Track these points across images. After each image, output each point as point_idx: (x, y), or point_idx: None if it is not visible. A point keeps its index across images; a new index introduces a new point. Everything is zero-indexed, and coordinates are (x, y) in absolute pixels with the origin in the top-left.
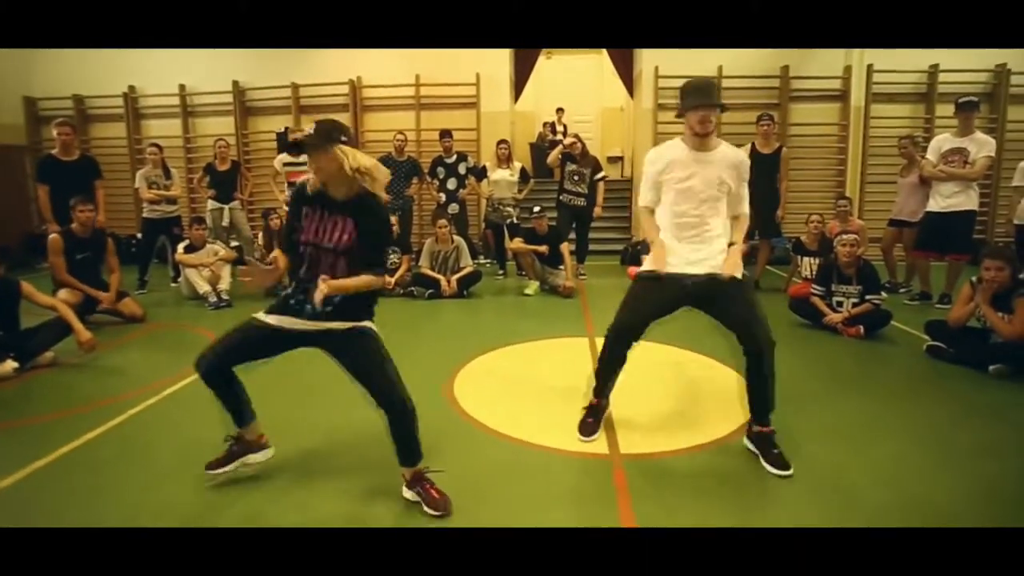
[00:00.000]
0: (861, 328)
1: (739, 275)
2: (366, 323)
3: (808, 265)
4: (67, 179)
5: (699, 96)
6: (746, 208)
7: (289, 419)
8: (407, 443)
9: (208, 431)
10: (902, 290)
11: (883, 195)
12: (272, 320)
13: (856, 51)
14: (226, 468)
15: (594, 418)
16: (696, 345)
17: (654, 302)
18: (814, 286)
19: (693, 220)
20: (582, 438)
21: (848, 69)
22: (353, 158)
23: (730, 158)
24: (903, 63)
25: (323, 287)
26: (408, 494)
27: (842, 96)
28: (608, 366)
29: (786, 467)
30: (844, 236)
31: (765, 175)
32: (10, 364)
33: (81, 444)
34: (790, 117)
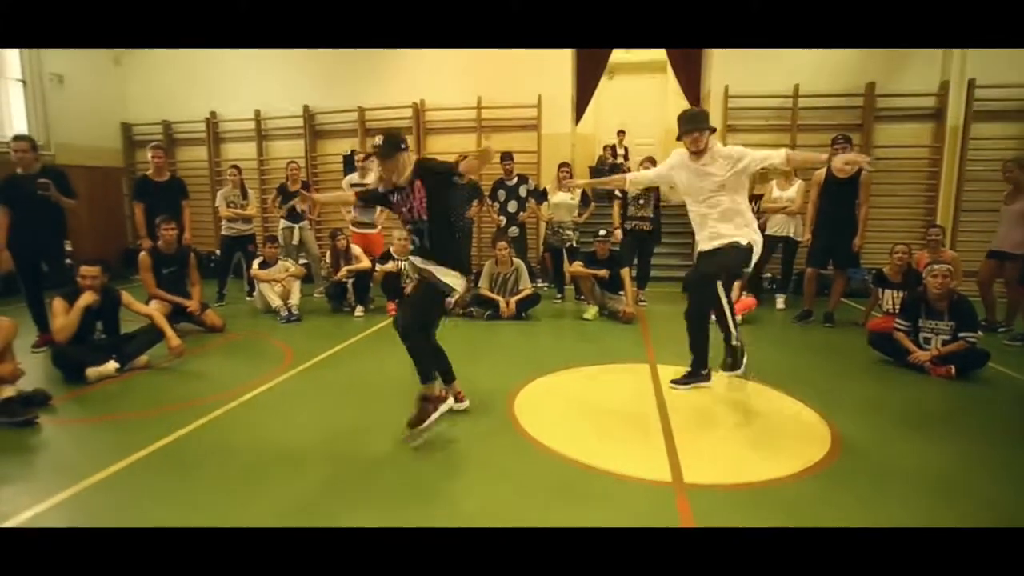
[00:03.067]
0: (952, 368)
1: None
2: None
3: (890, 298)
4: (159, 198)
5: (689, 123)
6: (774, 153)
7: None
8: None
9: (282, 434)
10: (1001, 329)
11: (981, 224)
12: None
13: (955, 65)
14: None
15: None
16: (762, 376)
17: None
18: (898, 320)
19: (702, 214)
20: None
21: (945, 85)
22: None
23: (717, 156)
24: (1010, 76)
25: None
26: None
27: (936, 115)
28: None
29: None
30: (936, 266)
31: (841, 201)
32: (112, 365)
33: (173, 440)
34: (875, 138)
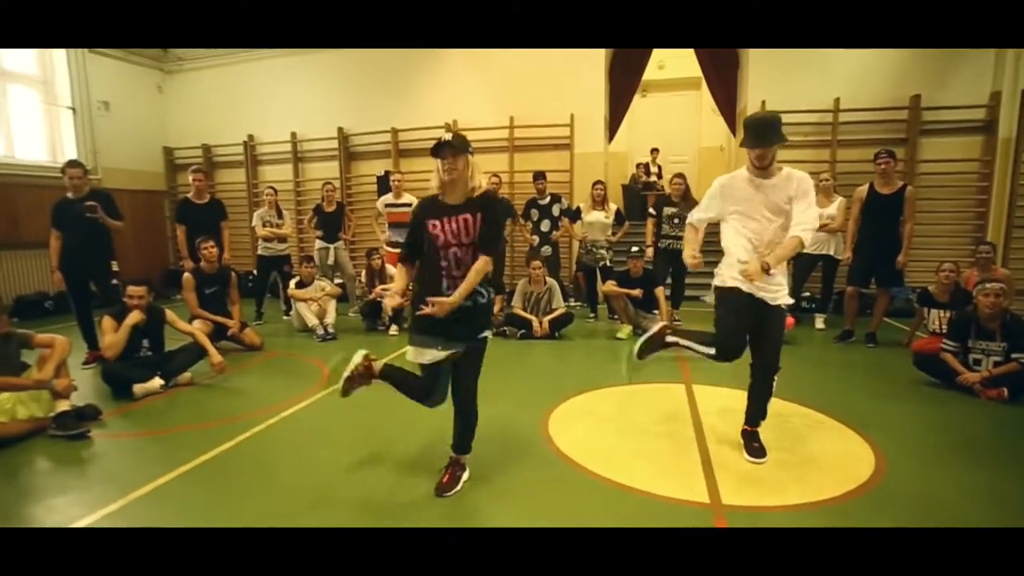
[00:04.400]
0: (1004, 390)
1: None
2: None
3: (937, 318)
4: (200, 220)
5: (756, 138)
6: (797, 230)
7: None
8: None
9: (320, 451)
10: None
11: None
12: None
13: (1007, 75)
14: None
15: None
16: (801, 397)
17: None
18: (946, 341)
19: (756, 238)
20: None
21: (996, 96)
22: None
23: (784, 177)
24: None
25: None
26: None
27: (987, 127)
28: None
29: (761, 455)
30: (988, 284)
31: (884, 218)
32: (157, 381)
33: (215, 455)
34: (920, 152)
